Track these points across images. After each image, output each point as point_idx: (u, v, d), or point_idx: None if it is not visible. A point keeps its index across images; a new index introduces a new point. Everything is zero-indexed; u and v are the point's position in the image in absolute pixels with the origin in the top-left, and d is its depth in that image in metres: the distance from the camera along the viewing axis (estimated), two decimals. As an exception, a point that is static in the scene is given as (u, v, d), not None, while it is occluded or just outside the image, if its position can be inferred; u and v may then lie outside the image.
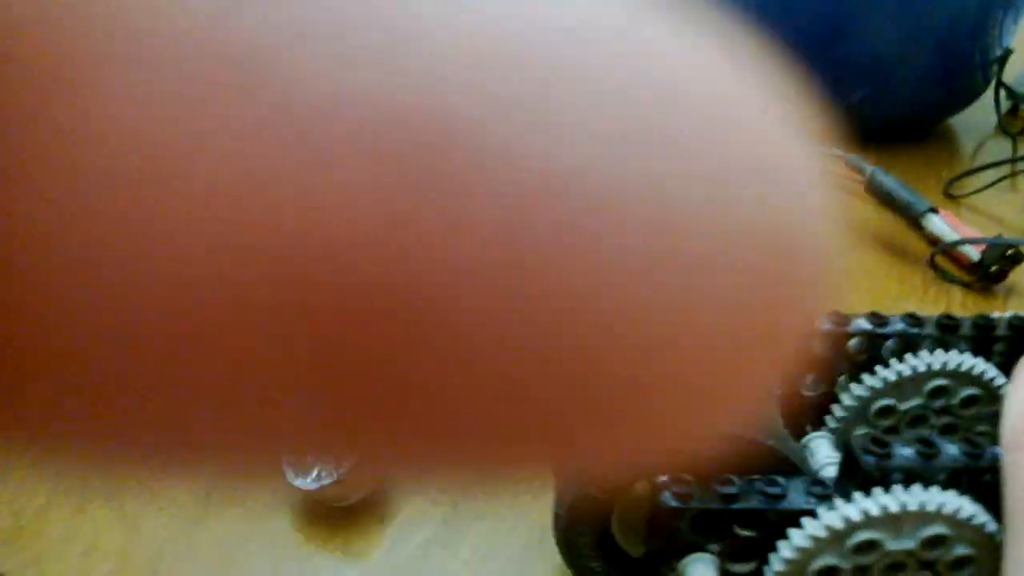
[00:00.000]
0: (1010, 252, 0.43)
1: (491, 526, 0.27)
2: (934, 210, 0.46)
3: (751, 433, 0.21)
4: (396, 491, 0.28)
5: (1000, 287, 0.45)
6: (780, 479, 0.21)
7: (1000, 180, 0.57)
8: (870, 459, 0.20)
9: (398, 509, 0.28)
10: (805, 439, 0.26)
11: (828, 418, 0.26)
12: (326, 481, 0.26)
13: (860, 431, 0.25)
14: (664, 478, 0.21)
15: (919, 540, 0.19)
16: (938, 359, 0.24)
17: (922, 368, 0.24)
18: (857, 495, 0.19)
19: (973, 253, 0.44)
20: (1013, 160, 0.60)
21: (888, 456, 0.20)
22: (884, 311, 0.43)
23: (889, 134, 0.65)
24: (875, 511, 0.19)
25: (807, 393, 0.26)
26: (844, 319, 0.25)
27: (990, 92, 0.70)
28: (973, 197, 0.56)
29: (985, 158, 0.65)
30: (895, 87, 0.63)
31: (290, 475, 0.27)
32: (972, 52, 0.64)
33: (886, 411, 0.25)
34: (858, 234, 0.50)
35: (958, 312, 0.43)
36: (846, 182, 0.58)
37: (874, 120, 0.64)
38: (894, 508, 0.19)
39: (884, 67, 0.62)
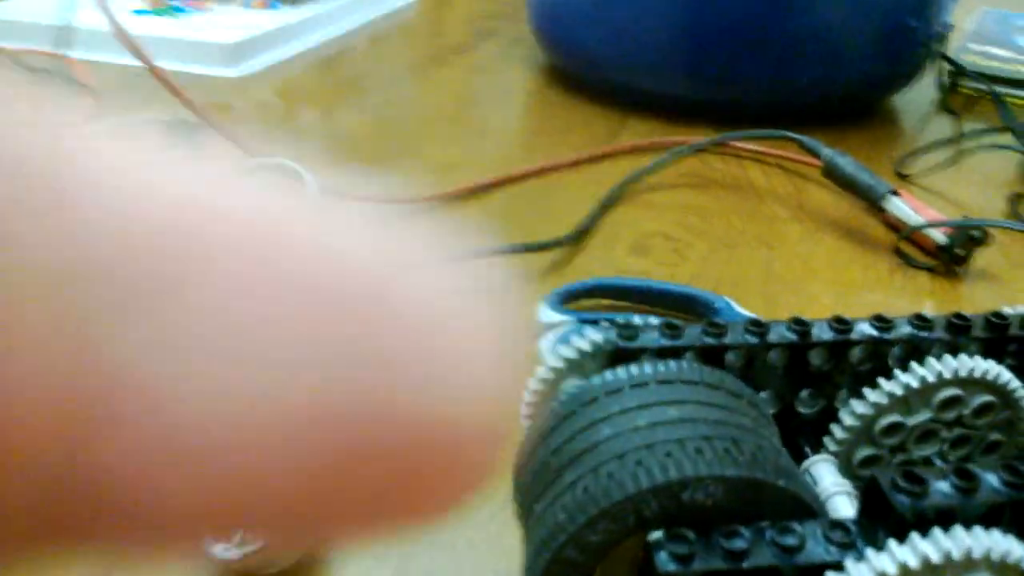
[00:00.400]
0: (976, 234, 0.42)
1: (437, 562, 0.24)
2: (895, 192, 0.44)
3: (753, 473, 0.17)
4: (334, 552, 0.24)
5: (966, 270, 0.43)
6: (795, 526, 0.17)
7: (952, 160, 0.56)
8: (903, 499, 0.17)
9: (339, 573, 0.24)
10: (805, 464, 0.23)
11: (828, 439, 0.23)
12: (250, 548, 0.22)
13: (864, 452, 0.23)
14: (657, 535, 0.17)
15: (964, 592, 0.16)
16: (949, 366, 0.22)
17: (932, 378, 0.22)
18: (890, 543, 0.16)
19: (939, 236, 0.42)
20: (959, 138, 0.59)
21: (924, 494, 0.17)
22: (851, 301, 0.41)
23: (835, 115, 0.63)
24: (914, 562, 0.16)
25: (803, 411, 0.23)
26: (845, 325, 0.22)
27: (931, 73, 0.69)
28: (923, 177, 0.55)
29: (929, 136, 0.64)
30: (841, 66, 0.61)
31: (208, 543, 0.22)
32: (915, 28, 0.63)
33: (893, 428, 0.22)
34: (817, 222, 0.48)
35: (928, 299, 0.42)
36: (801, 168, 0.56)
37: (821, 101, 0.62)
38: (936, 557, 0.16)
39: (830, 47, 0.60)
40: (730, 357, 0.22)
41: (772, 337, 0.22)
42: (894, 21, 0.62)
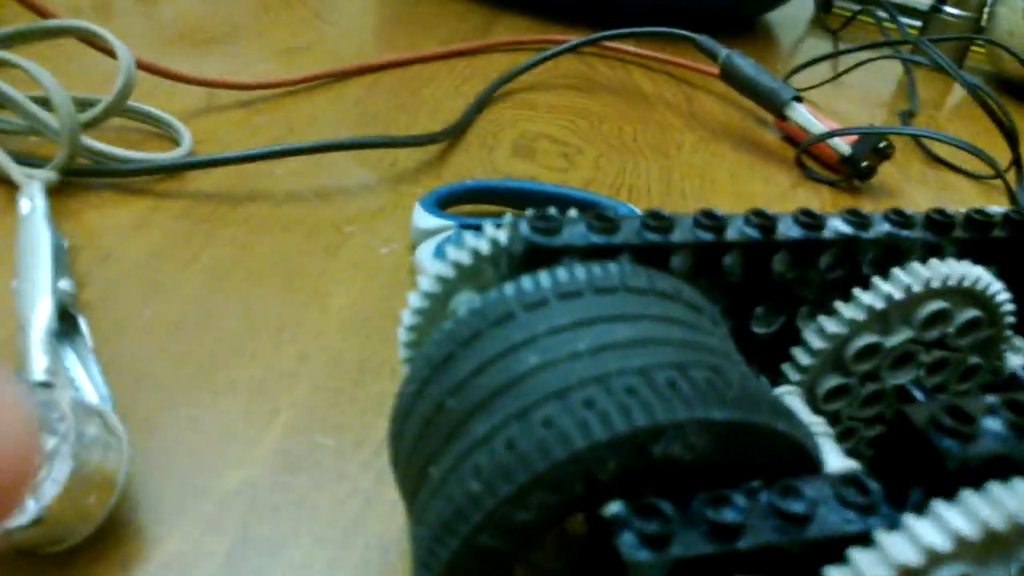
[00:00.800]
0: (882, 145, 0.39)
1: (294, 561, 0.18)
2: (799, 98, 0.41)
3: (748, 415, 0.12)
4: (141, 518, 0.17)
5: (866, 185, 0.41)
6: (799, 485, 0.13)
7: (841, 75, 0.53)
8: (951, 444, 0.12)
9: (153, 546, 0.17)
10: None
11: (788, 366, 0.18)
12: (25, 520, 0.15)
13: (831, 381, 0.18)
14: (617, 507, 0.12)
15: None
16: (938, 273, 0.18)
17: (918, 287, 0.17)
18: (936, 505, 0.12)
19: (843, 147, 0.39)
20: (838, 54, 0.56)
21: (973, 436, 0.12)
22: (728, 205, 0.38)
23: (707, 29, 0.60)
24: (973, 531, 0.11)
25: (759, 330, 0.19)
26: (815, 220, 0.18)
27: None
28: (805, 94, 0.52)
29: (807, 53, 0.62)
30: None
31: None
32: None
33: (868, 351, 0.18)
34: (711, 131, 0.44)
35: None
36: (690, 75, 0.52)
37: (694, 11, 0.59)
38: (1000, 524, 0.11)
39: None
40: (675, 260, 0.17)
41: (731, 234, 0.17)
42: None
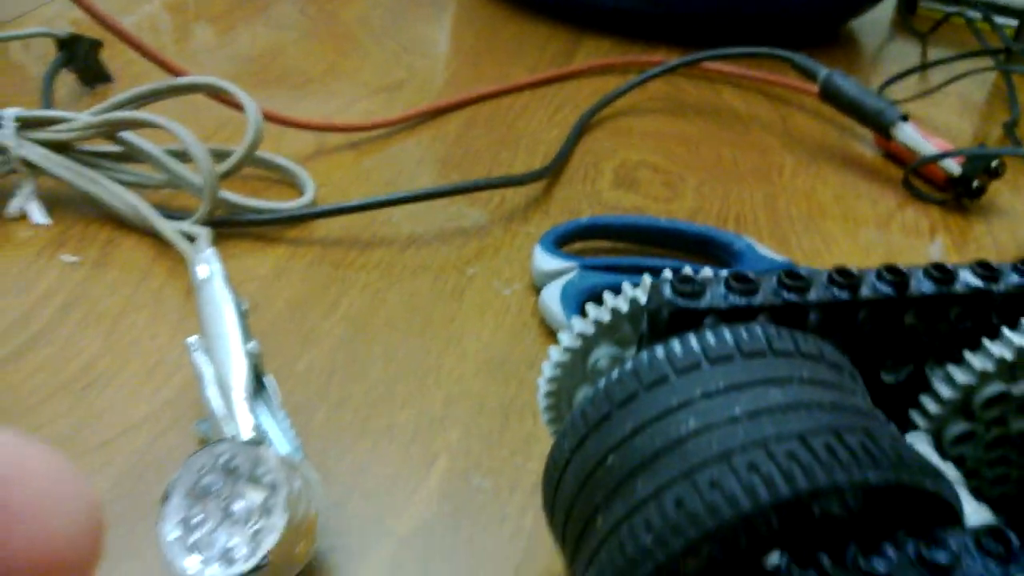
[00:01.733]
0: (993, 164, 0.39)
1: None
2: (905, 118, 0.41)
3: (900, 476, 0.14)
4: (334, 559, 0.20)
5: (976, 204, 0.41)
6: (943, 536, 0.14)
7: (936, 89, 0.53)
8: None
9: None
10: None
11: (917, 413, 0.20)
12: (248, 566, 0.18)
13: (958, 427, 0.20)
14: (776, 559, 0.14)
15: None
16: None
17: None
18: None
19: (952, 167, 0.40)
20: (928, 65, 0.56)
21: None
22: (864, 239, 0.39)
23: (790, 41, 0.60)
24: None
25: (887, 378, 0.20)
26: (947, 275, 0.19)
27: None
28: (909, 104, 0.52)
29: (892, 61, 0.61)
30: None
31: (178, 559, 0.18)
32: None
33: (996, 399, 0.19)
34: (811, 152, 0.45)
35: (943, 235, 0.39)
36: (783, 92, 0.52)
37: (775, 24, 0.59)
38: None
39: None
40: (811, 317, 0.19)
41: (865, 292, 0.18)
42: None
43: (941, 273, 0.19)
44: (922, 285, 0.19)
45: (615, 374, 0.17)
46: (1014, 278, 0.19)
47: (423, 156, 0.40)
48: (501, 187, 0.36)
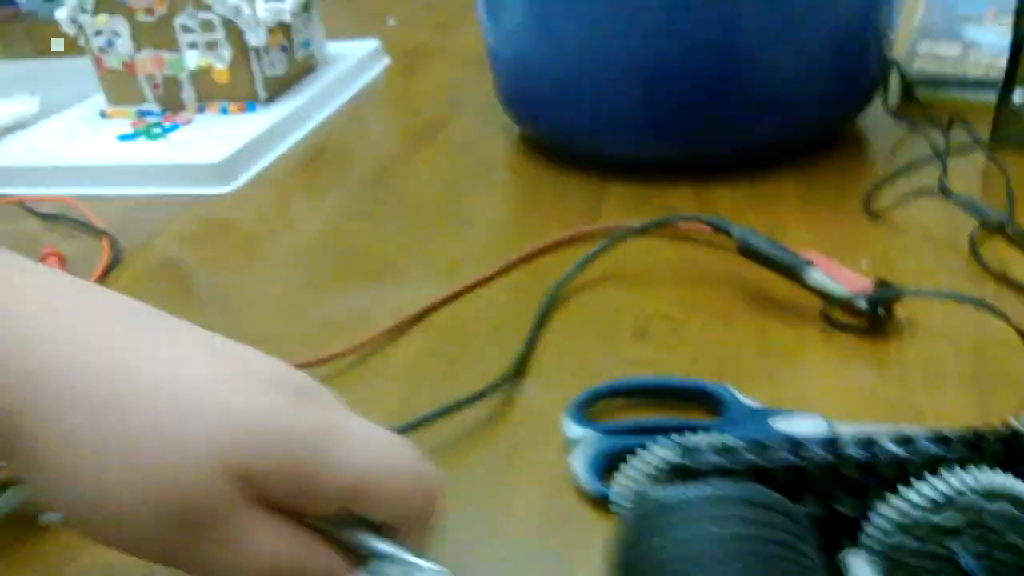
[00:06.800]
0: (891, 295, 0.46)
1: None
2: (810, 263, 0.49)
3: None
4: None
5: (895, 321, 0.47)
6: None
7: (918, 186, 0.59)
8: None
9: None
10: (841, 555, 0.28)
11: (863, 535, 0.28)
12: None
13: (897, 540, 0.27)
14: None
15: None
16: (966, 480, 0.27)
17: (951, 491, 0.27)
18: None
19: (860, 302, 0.46)
20: (922, 162, 0.62)
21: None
22: (789, 370, 0.45)
23: (805, 147, 0.67)
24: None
25: (842, 510, 0.28)
26: (872, 447, 0.28)
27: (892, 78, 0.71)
28: (894, 209, 0.58)
29: (893, 151, 0.67)
30: (802, 104, 0.64)
31: None
32: (868, 39, 0.65)
33: (921, 526, 0.27)
34: (742, 297, 0.51)
35: (857, 362, 0.45)
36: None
37: (789, 139, 0.65)
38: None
39: (786, 89, 0.63)
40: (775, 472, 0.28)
41: (813, 457, 0.28)
42: (843, 54, 0.64)
43: (869, 444, 0.28)
44: (857, 453, 0.28)
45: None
46: (927, 446, 0.28)
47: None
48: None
